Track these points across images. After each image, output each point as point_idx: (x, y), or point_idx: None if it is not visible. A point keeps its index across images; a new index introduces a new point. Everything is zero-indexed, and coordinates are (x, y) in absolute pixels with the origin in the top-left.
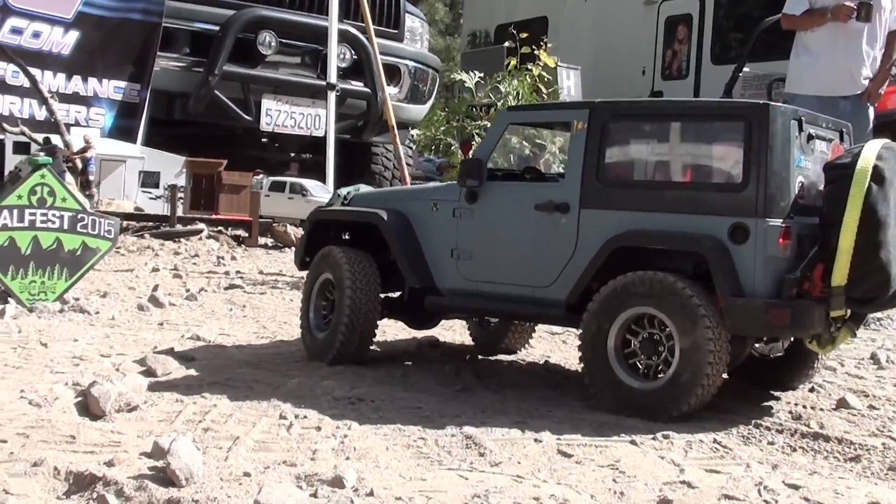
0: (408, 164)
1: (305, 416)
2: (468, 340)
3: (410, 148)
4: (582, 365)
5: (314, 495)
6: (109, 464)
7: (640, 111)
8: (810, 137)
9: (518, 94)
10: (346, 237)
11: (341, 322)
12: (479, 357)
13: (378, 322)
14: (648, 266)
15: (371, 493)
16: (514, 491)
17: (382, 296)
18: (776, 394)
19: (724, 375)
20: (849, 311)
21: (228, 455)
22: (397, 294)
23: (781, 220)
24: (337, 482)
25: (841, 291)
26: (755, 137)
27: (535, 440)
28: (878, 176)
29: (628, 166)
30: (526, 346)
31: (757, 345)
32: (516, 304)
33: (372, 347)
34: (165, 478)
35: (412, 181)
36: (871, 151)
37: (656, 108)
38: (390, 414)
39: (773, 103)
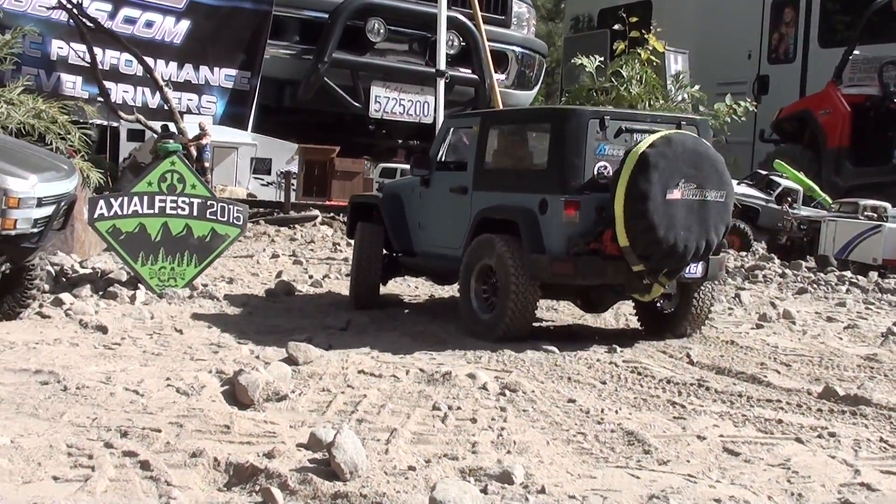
0: None
1: (459, 408)
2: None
3: None
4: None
5: (483, 491)
6: (269, 455)
7: (503, 118)
8: (621, 131)
9: (642, 78)
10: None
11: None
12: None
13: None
14: (505, 231)
15: (542, 490)
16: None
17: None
18: None
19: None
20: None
21: (388, 448)
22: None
23: (571, 196)
24: (505, 477)
25: (629, 250)
26: (555, 135)
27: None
28: (643, 160)
29: (495, 159)
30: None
31: (658, 304)
32: (447, 262)
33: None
34: (329, 471)
35: None
36: (646, 142)
37: (511, 116)
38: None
39: (576, 108)
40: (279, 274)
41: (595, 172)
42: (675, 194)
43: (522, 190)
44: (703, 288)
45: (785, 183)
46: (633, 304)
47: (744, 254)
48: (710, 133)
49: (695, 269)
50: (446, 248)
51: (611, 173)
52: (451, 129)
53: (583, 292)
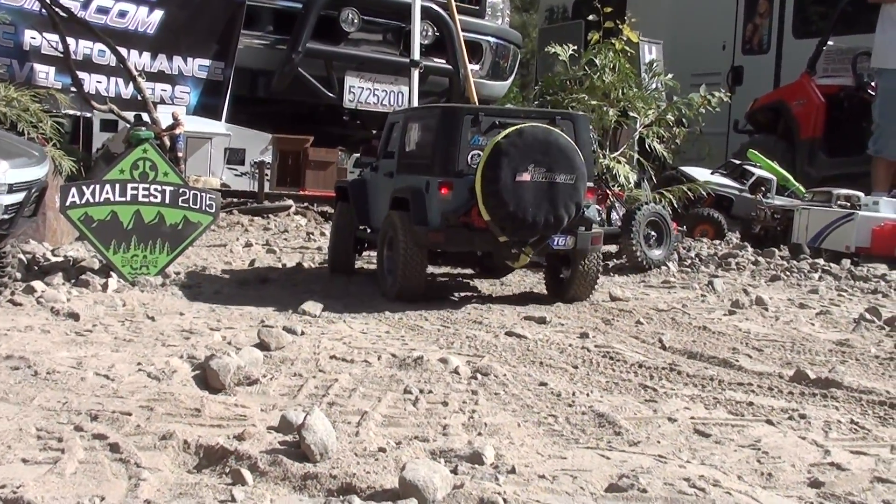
0: None
1: (431, 392)
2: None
3: None
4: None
5: (454, 471)
6: (239, 438)
7: (415, 115)
8: (494, 125)
9: (615, 66)
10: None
11: (329, 240)
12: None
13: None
14: (406, 208)
15: (513, 470)
16: (660, 471)
17: None
18: None
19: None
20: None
21: (359, 430)
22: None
23: (445, 178)
24: (475, 458)
25: (493, 224)
26: (436, 129)
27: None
28: (496, 149)
29: (409, 148)
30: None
31: (561, 274)
32: None
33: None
34: (299, 452)
35: None
36: (502, 134)
37: (419, 113)
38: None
39: (453, 105)
40: (252, 262)
41: (469, 159)
42: (525, 177)
43: (419, 174)
44: (587, 259)
45: (759, 172)
46: (543, 273)
47: (717, 242)
48: (589, 127)
49: (562, 242)
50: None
51: None
52: (393, 123)
53: (476, 261)
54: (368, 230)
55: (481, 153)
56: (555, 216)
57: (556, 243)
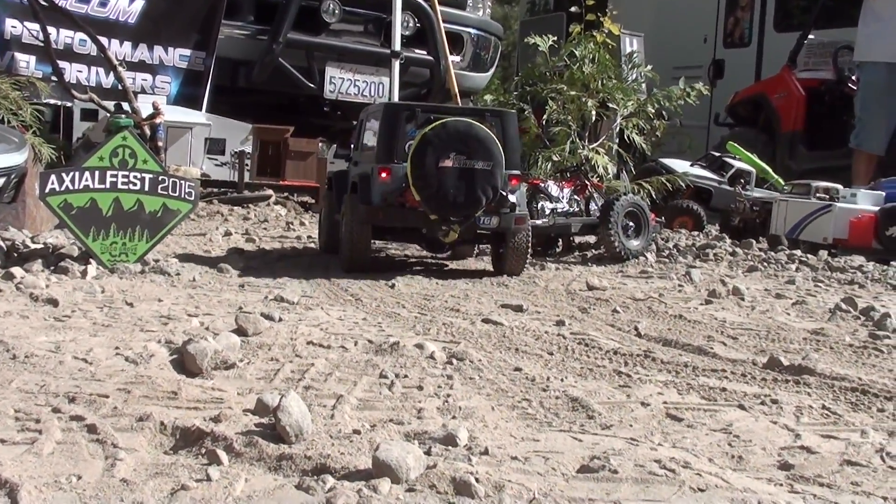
0: None
1: (406, 376)
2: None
3: None
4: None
5: (427, 453)
6: (215, 420)
7: (371, 112)
8: (429, 120)
9: (594, 57)
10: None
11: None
12: None
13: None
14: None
15: (486, 452)
16: (631, 454)
17: None
18: (881, 361)
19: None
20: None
21: (334, 413)
22: None
23: (384, 164)
24: (449, 440)
25: (423, 203)
26: (378, 123)
27: (643, 404)
28: (423, 139)
29: (364, 140)
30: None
31: (500, 250)
32: None
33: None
34: (275, 434)
35: None
36: (429, 127)
37: (373, 110)
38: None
39: (393, 103)
40: (231, 251)
41: (406, 149)
42: (447, 163)
43: (369, 162)
44: (517, 237)
45: (738, 165)
46: (490, 249)
47: (696, 234)
48: (516, 123)
49: (488, 221)
50: None
51: None
52: (362, 120)
53: (420, 237)
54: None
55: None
56: (473, 197)
57: (482, 222)
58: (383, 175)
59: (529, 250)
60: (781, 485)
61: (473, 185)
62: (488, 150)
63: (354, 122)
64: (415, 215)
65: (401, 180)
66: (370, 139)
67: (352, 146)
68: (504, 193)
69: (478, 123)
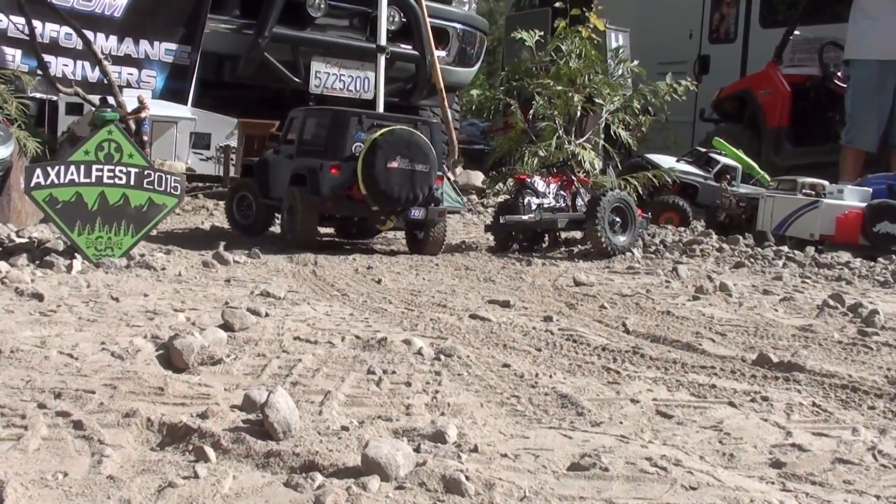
0: (455, 129)
1: (394, 372)
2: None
3: (457, 111)
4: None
5: (416, 450)
6: (202, 416)
7: (312, 113)
8: (373, 125)
9: (581, 52)
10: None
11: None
12: None
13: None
14: (303, 183)
15: (475, 449)
16: (622, 451)
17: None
18: (871, 358)
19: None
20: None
21: (322, 409)
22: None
23: (334, 162)
24: (438, 437)
25: (369, 197)
26: (330, 125)
27: (633, 400)
28: (373, 144)
29: (306, 138)
30: None
31: (419, 237)
32: (282, 202)
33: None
34: (262, 431)
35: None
36: (378, 133)
37: (315, 112)
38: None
39: (344, 109)
40: (216, 246)
41: (353, 149)
42: (393, 164)
43: (314, 157)
44: (436, 226)
45: (724, 160)
46: (404, 234)
47: (682, 230)
48: (440, 131)
49: (417, 213)
50: (282, 194)
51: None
52: (293, 118)
53: (353, 224)
54: (277, 199)
55: (362, 144)
56: (413, 194)
57: (412, 214)
58: (334, 171)
59: (445, 238)
60: (773, 483)
61: (413, 184)
62: (426, 155)
63: None
64: (360, 207)
65: (349, 176)
66: (310, 136)
67: (281, 139)
68: (434, 191)
69: (417, 132)
